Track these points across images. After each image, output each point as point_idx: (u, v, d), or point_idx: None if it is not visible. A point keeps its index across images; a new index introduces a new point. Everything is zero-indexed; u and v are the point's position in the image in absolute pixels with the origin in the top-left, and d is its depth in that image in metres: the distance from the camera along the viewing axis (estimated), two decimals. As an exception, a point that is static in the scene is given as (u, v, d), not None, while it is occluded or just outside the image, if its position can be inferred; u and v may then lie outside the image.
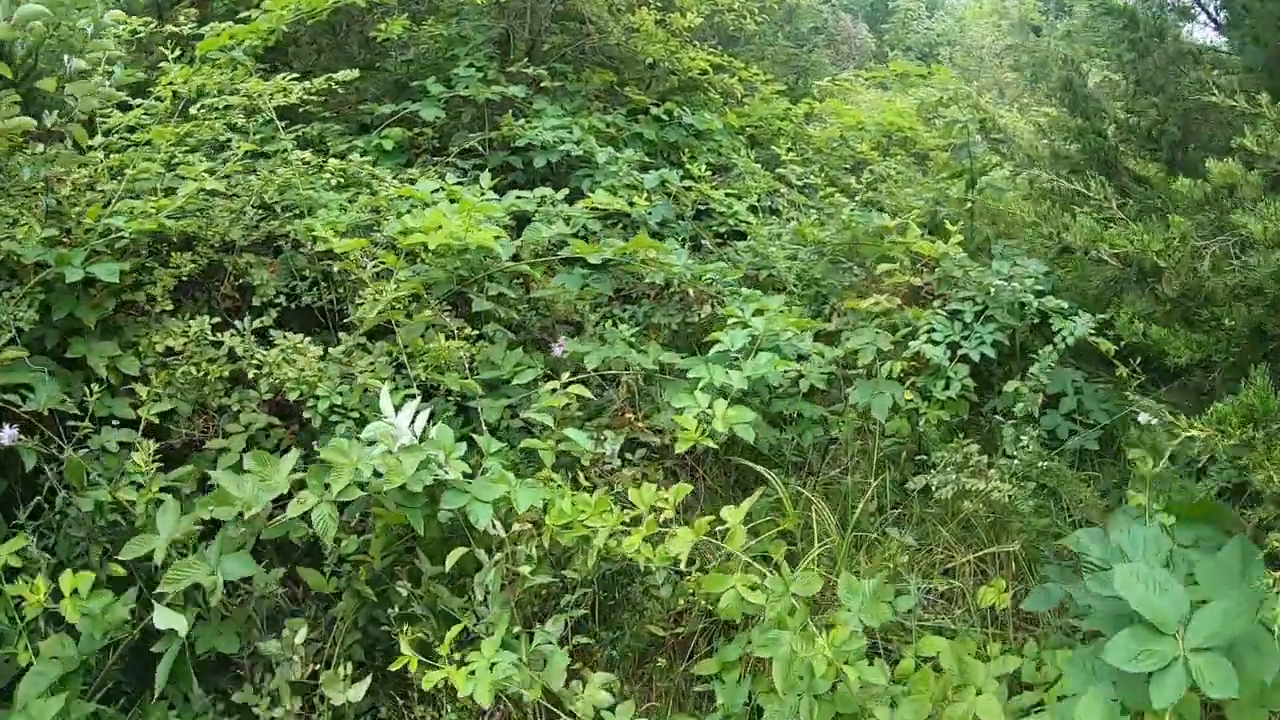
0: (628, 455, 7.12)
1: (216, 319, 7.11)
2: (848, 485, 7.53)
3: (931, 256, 8.18)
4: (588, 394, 6.39)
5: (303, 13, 8.93)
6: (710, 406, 6.16)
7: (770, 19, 13.60)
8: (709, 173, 9.41)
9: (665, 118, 10.71)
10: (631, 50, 11.34)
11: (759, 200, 9.77)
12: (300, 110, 8.89)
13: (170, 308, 7.16)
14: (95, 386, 6.45)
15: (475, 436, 6.17)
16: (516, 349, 7.19)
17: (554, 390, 6.44)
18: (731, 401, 6.20)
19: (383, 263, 6.98)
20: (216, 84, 7.81)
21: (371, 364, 6.82)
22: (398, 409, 5.96)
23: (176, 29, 8.43)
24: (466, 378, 6.75)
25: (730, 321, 6.60)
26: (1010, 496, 6.61)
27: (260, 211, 7.88)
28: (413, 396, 6.17)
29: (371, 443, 5.77)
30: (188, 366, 6.81)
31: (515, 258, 7.36)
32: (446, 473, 5.68)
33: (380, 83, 10.93)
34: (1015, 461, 6.87)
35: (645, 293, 8.48)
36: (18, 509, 6.26)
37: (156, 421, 6.66)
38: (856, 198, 9.28)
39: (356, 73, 8.27)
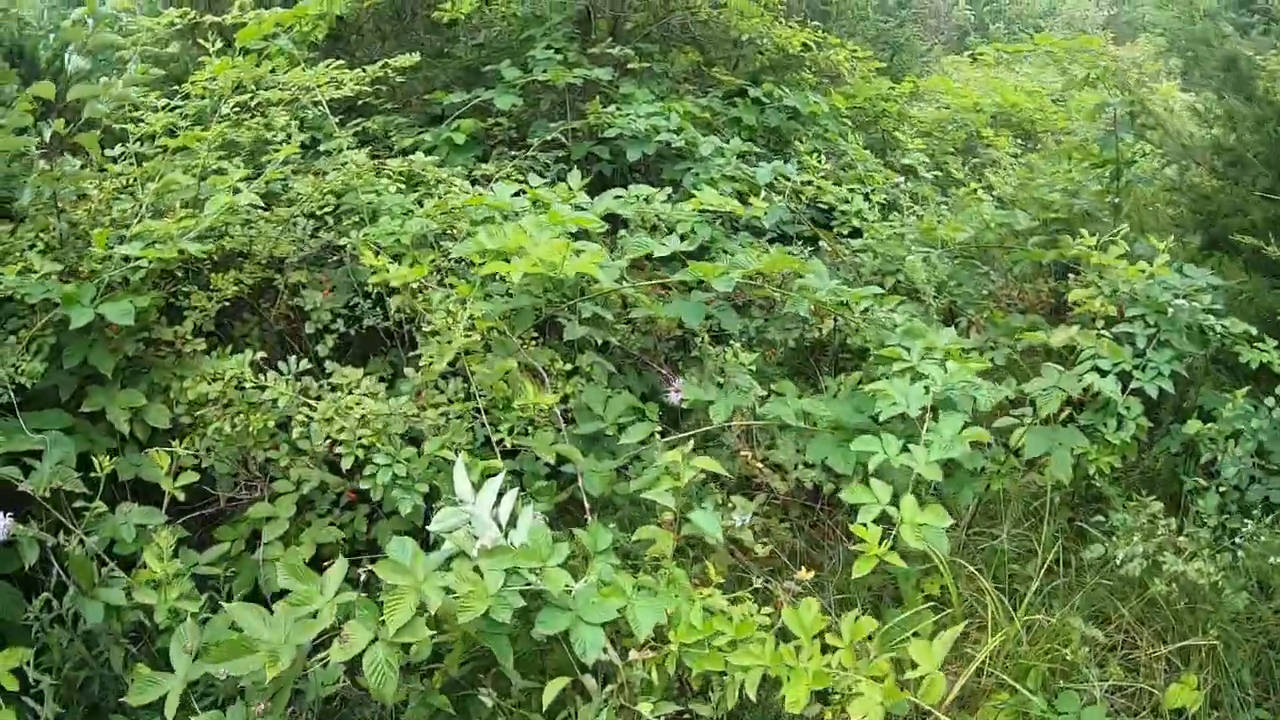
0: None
1: (262, 354, 5.72)
2: (1004, 546, 6.02)
3: (1104, 264, 6.59)
4: (719, 469, 4.81)
5: (352, -2, 7.45)
6: (893, 502, 4.53)
7: (863, -6, 11.93)
8: (821, 160, 7.81)
9: (765, 100, 9.06)
10: (721, 27, 9.71)
11: (873, 192, 8.19)
12: (360, 103, 7.66)
13: (203, 347, 5.78)
14: (107, 452, 5.24)
15: (576, 531, 4.64)
16: (620, 395, 5.61)
17: (672, 466, 4.82)
18: (918, 492, 4.57)
19: (453, 287, 5.52)
20: (253, 78, 6.27)
21: (444, 417, 5.30)
22: (477, 486, 4.47)
23: (218, 20, 6.95)
24: (560, 434, 5.21)
25: (895, 368, 4.95)
26: (1214, 583, 5.17)
27: (314, 221, 6.44)
28: (494, 471, 4.65)
29: (439, 543, 4.29)
30: (223, 420, 5.36)
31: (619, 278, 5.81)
32: (541, 584, 4.13)
33: (451, 70, 9.35)
34: (1213, 533, 5.60)
35: (753, 300, 6.93)
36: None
37: (182, 497, 5.22)
38: (994, 191, 7.69)
39: (416, 57, 6.78)
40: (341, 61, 6.51)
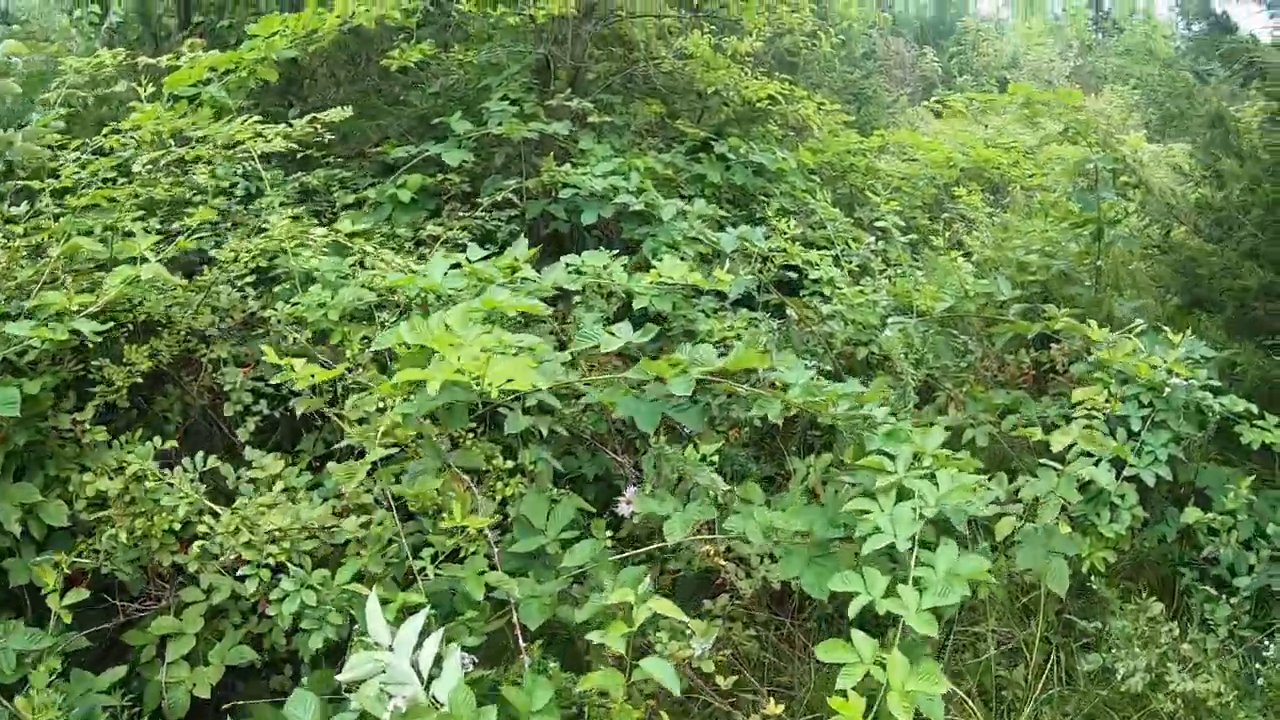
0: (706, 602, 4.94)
1: (173, 443, 4.87)
2: (990, 654, 5.21)
3: (1088, 338, 5.80)
4: (679, 614, 3.91)
5: (299, 40, 6.60)
6: (878, 660, 3.59)
7: (838, 40, 11.11)
8: (790, 224, 6.98)
9: (730, 156, 8.23)
10: (685, 79, 8.89)
11: (843, 253, 7.39)
12: (301, 156, 6.86)
13: (104, 436, 4.90)
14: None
15: (506, 690, 3.78)
16: (564, 503, 4.73)
17: (623, 604, 3.94)
18: (905, 648, 3.68)
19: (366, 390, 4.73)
20: (172, 130, 5.44)
21: (365, 525, 4.45)
22: (396, 622, 3.63)
23: (153, 62, 6.13)
24: (494, 556, 4.36)
25: (879, 484, 4.07)
26: (1226, 703, 4.48)
27: (237, 289, 5.57)
28: (415, 607, 3.81)
29: (349, 690, 3.46)
30: (121, 524, 4.53)
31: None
32: (464, 754, 3.28)
33: (406, 119, 8.50)
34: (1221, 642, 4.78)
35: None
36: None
37: (68, 619, 4.38)
38: (973, 256, 6.90)
39: (348, 112, 5.89)
40: (257, 118, 5.60)
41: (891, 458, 4.13)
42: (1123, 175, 7.18)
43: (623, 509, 4.74)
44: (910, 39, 19.80)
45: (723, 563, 4.77)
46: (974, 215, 8.76)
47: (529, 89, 7.96)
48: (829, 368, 6.44)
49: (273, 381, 5.01)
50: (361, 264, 5.57)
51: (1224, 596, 5.17)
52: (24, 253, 5.11)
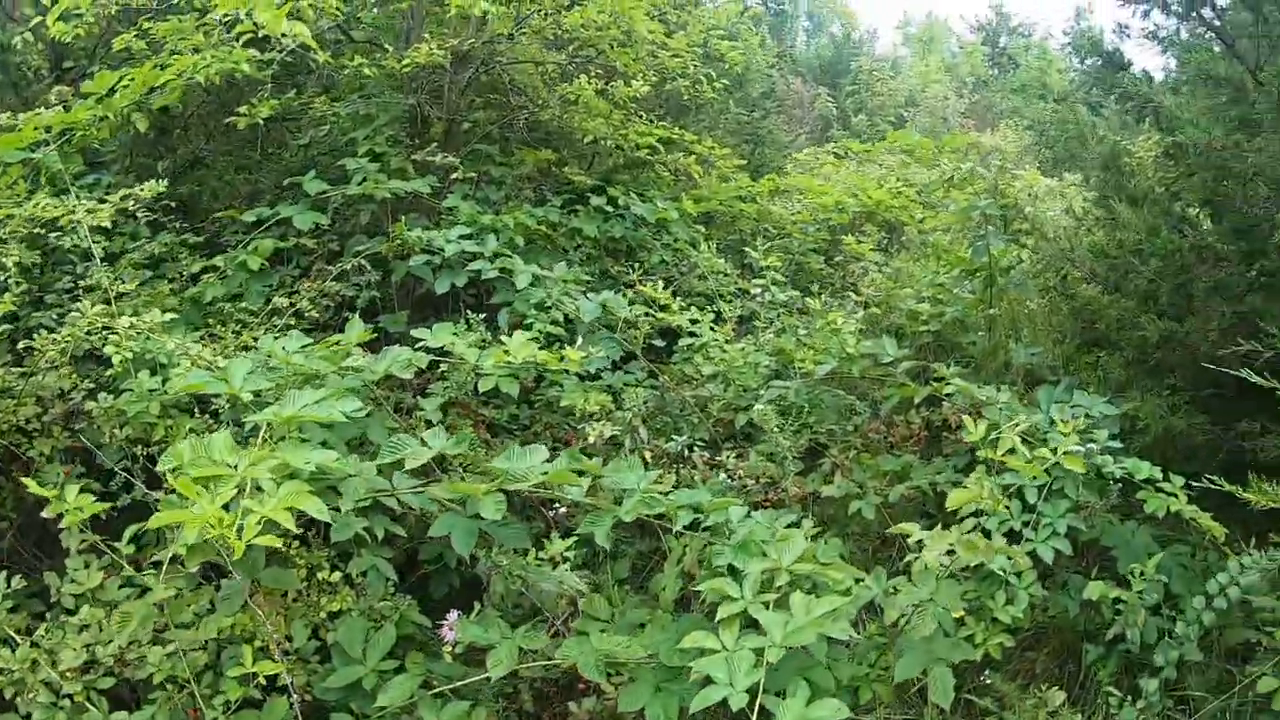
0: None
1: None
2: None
3: (977, 403, 5.19)
4: None
5: (140, 97, 5.88)
6: None
7: (723, 85, 10.47)
8: (657, 287, 6.30)
9: (609, 208, 7.57)
10: (570, 125, 8.21)
11: (724, 314, 6.75)
12: (153, 220, 6.31)
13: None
14: None
15: None
16: (384, 630, 4.02)
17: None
18: None
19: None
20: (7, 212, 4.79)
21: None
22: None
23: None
24: (294, 707, 3.65)
25: (722, 613, 3.38)
26: None
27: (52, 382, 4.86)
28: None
29: None
30: None
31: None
32: None
33: (274, 174, 7.77)
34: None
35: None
36: None
37: None
38: (856, 315, 6.27)
39: (163, 185, 5.19)
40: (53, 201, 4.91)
41: (739, 576, 3.45)
42: (1015, 221, 6.58)
43: (446, 636, 4.04)
44: (809, 79, 19.24)
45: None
46: (870, 261, 8.14)
47: (397, 142, 7.28)
48: (704, 438, 5.79)
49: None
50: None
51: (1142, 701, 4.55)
52: None
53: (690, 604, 4.93)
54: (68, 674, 3.76)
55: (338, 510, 3.69)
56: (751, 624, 3.37)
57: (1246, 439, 5.29)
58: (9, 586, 4.10)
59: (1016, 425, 4.24)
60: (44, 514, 4.34)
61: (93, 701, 3.75)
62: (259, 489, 3.05)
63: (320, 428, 4.13)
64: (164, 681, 3.77)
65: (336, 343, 4.65)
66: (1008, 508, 4.17)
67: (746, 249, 7.45)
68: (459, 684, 3.82)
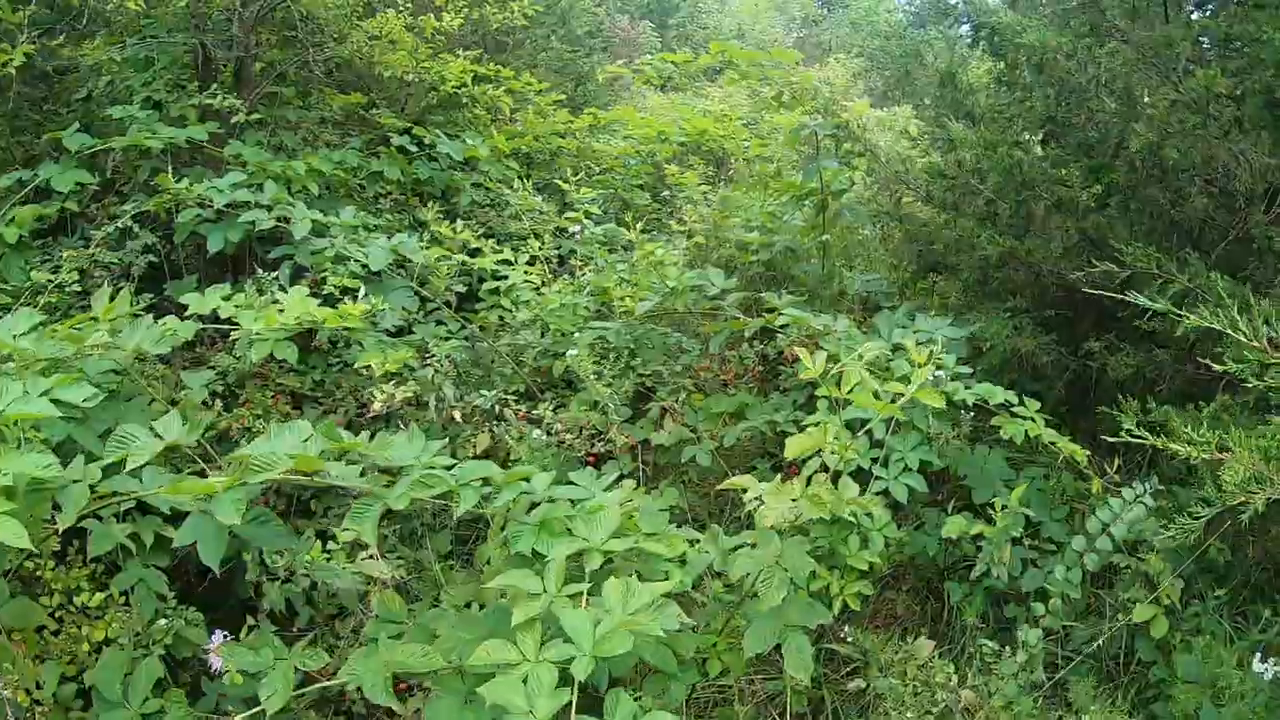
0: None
1: None
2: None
3: (814, 333, 4.56)
4: None
5: None
6: None
7: (542, 22, 9.56)
8: (455, 228, 5.50)
9: (413, 148, 6.73)
10: (371, 63, 7.29)
11: (542, 248, 5.98)
12: None
13: None
14: None
15: None
16: (142, 666, 3.21)
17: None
18: None
19: None
20: None
21: None
22: None
23: None
24: None
25: (518, 618, 2.59)
26: None
27: None
28: None
29: None
30: None
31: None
32: None
33: (49, 129, 6.72)
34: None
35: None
36: None
37: None
38: (682, 246, 5.59)
39: None
40: None
41: (541, 564, 2.72)
42: (846, 143, 5.94)
43: (214, 665, 3.22)
44: (636, 16, 18.40)
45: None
46: (695, 193, 7.43)
47: (179, 87, 6.33)
48: (520, 388, 5.05)
49: None
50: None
51: (1019, 663, 3.97)
52: None
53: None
54: None
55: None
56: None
57: (1094, 358, 4.80)
58: None
59: (861, 357, 3.57)
60: None
61: None
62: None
63: (64, 423, 3.32)
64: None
65: (89, 319, 3.81)
66: (856, 451, 3.50)
67: (560, 184, 6.69)
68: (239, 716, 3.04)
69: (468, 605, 3.56)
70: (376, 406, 4.09)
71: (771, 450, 5.17)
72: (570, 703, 2.39)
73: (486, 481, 2.94)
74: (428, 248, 5.13)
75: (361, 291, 4.24)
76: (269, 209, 5.10)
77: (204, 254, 6.14)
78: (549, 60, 10.22)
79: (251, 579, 3.47)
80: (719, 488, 4.02)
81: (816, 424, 4.10)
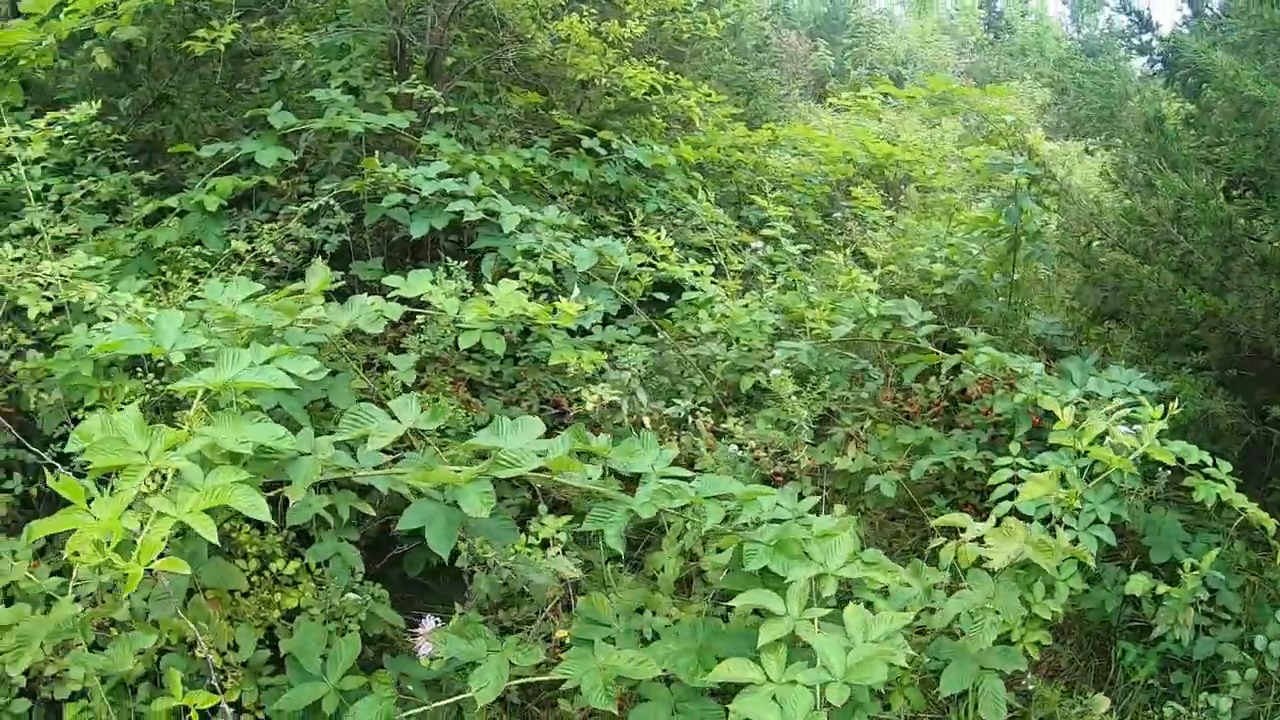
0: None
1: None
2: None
3: (1011, 373, 4.56)
4: None
5: (92, 23, 5.15)
6: None
7: (725, 24, 9.65)
8: (660, 236, 5.57)
9: (602, 151, 6.83)
10: (559, 65, 7.44)
11: (725, 261, 6.06)
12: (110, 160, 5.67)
13: None
14: None
15: None
16: (345, 641, 3.33)
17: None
18: None
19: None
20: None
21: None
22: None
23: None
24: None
25: (765, 635, 2.64)
26: None
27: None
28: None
29: None
30: None
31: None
32: None
33: (241, 110, 6.95)
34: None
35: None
36: None
37: None
38: (874, 267, 5.62)
39: (93, 108, 4.46)
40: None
41: (781, 585, 2.77)
42: (1042, 180, 5.91)
43: (421, 650, 3.33)
44: (803, 33, 18.38)
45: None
46: (871, 217, 7.45)
47: (374, 75, 6.52)
48: (708, 401, 5.12)
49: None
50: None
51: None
52: None
53: (691, 585, 4.31)
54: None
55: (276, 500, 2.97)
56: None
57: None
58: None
59: (1112, 413, 3.58)
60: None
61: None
62: (180, 480, 2.36)
63: (276, 392, 3.44)
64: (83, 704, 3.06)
65: (297, 291, 3.95)
66: (1081, 500, 3.51)
67: (755, 199, 6.75)
68: (438, 704, 3.14)
69: (639, 611, 3.63)
70: (588, 406, 4.18)
71: (948, 488, 5.17)
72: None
73: (726, 500, 3.00)
74: (630, 253, 5.23)
75: (575, 292, 4.32)
76: (475, 200, 5.23)
77: (386, 237, 6.32)
78: (721, 73, 10.29)
79: (466, 563, 3.58)
80: (935, 523, 4.02)
81: (1010, 465, 4.13)
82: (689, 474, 3.08)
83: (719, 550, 3.30)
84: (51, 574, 3.45)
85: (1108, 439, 3.71)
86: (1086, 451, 3.40)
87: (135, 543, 2.18)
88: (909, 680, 3.74)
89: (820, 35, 19.02)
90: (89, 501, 2.22)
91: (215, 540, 2.31)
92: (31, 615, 3.16)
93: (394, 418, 3.05)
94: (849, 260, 6.09)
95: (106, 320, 3.89)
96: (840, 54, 18.06)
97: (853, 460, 4.93)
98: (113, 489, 2.40)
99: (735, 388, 5.27)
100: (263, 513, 2.40)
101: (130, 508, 2.23)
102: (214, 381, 2.80)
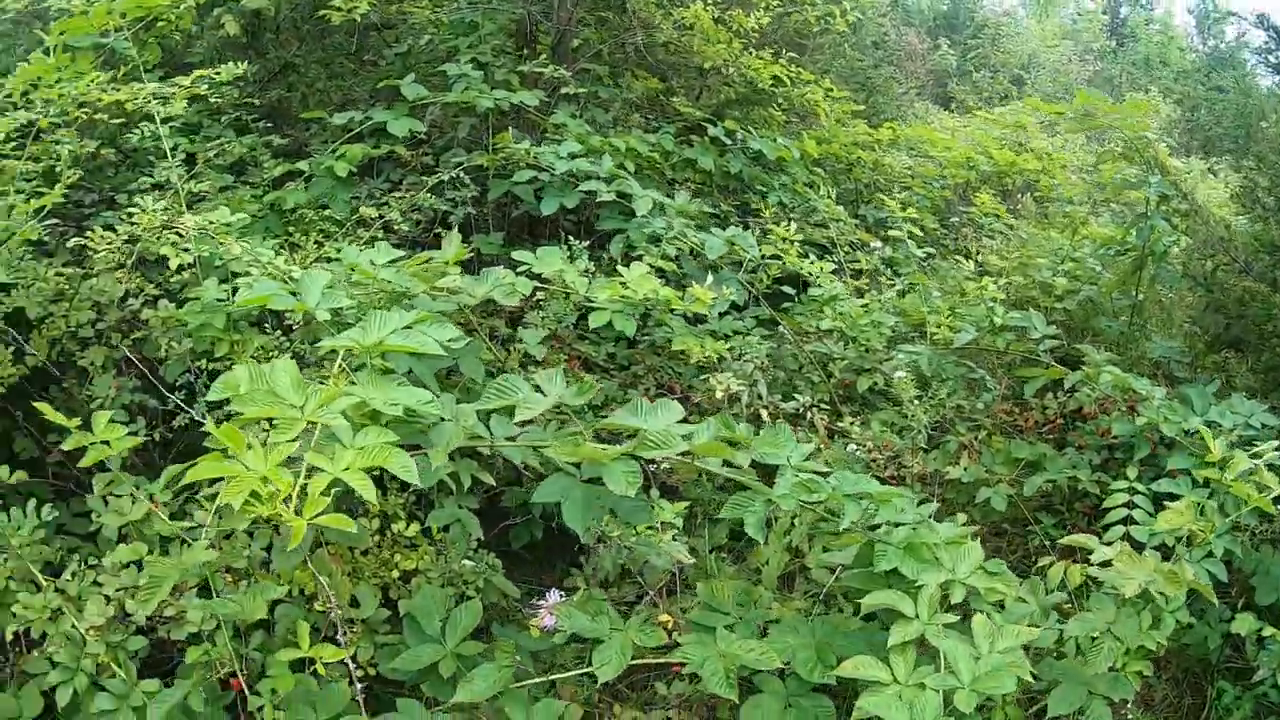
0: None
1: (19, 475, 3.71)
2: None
3: (1133, 395, 4.53)
4: None
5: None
6: None
7: (838, 29, 9.64)
8: (789, 228, 5.59)
9: (726, 140, 6.86)
10: (683, 53, 7.48)
11: (846, 259, 6.07)
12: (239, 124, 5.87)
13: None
14: None
15: None
16: (467, 608, 3.41)
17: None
18: None
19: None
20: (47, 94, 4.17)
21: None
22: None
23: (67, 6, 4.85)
24: (355, 694, 3.00)
25: (895, 636, 2.69)
26: None
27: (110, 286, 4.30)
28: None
29: None
30: None
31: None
32: None
33: (369, 82, 7.10)
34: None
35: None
36: None
37: None
38: (993, 275, 5.60)
39: (241, 68, 4.60)
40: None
41: (912, 589, 2.79)
42: (1173, 201, 5.83)
43: (545, 622, 3.41)
44: (922, 31, 18.19)
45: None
46: (989, 224, 7.40)
47: (503, 52, 6.61)
48: (825, 397, 5.15)
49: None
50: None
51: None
52: None
53: (794, 581, 4.34)
54: (91, 631, 3.18)
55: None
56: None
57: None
58: (39, 518, 3.52)
59: (1260, 455, 3.56)
60: (63, 446, 3.80)
61: (119, 664, 3.17)
62: (331, 436, 2.43)
63: (407, 357, 3.53)
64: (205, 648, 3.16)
65: (429, 259, 4.03)
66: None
67: (880, 198, 6.74)
68: (557, 677, 3.21)
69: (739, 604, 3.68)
70: (718, 394, 4.23)
71: (1056, 506, 5.15)
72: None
73: (863, 499, 3.03)
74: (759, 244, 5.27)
75: (709, 279, 4.36)
76: (608, 181, 5.30)
77: (505, 213, 6.41)
78: (840, 68, 10.23)
79: (588, 539, 3.64)
80: (1061, 542, 4.02)
81: (1126, 489, 4.12)
82: (825, 469, 3.11)
83: (839, 550, 3.34)
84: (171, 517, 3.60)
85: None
86: (1219, 483, 3.38)
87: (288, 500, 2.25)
88: (1011, 697, 3.75)
89: (940, 34, 18.83)
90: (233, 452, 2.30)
91: (374, 499, 2.38)
92: (152, 557, 3.28)
93: (539, 390, 3.11)
94: (977, 267, 6.07)
95: (239, 276, 4.02)
96: (961, 54, 17.85)
97: (965, 470, 4.92)
98: (264, 441, 2.47)
99: (851, 387, 5.28)
100: (414, 476, 2.46)
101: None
102: (364, 342, 2.87)
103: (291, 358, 3.20)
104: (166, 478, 3.23)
